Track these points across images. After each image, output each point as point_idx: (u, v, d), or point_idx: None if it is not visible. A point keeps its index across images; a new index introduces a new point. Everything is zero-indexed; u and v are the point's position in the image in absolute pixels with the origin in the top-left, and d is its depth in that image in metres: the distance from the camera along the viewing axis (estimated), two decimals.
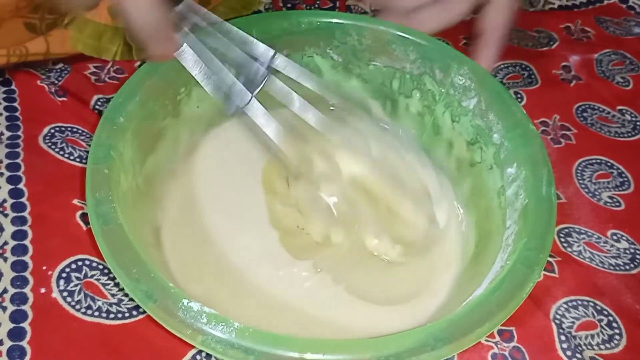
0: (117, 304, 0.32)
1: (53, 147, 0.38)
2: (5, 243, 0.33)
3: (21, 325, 0.31)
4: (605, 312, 0.34)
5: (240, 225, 0.36)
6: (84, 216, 0.35)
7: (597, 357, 0.33)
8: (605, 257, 0.37)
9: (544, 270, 0.35)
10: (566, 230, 0.38)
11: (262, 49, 0.34)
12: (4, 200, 0.35)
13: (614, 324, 0.34)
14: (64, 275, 0.32)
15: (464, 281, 0.35)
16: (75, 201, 0.35)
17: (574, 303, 0.34)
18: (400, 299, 0.34)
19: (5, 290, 0.31)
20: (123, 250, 0.28)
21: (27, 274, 0.32)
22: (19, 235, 0.34)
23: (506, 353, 0.32)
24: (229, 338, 0.26)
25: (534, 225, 0.31)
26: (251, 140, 0.40)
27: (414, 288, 0.35)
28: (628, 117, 0.45)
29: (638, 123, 0.44)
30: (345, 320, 0.33)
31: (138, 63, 0.44)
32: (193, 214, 0.36)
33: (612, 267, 0.36)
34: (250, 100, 0.33)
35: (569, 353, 0.32)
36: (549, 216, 0.32)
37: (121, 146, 0.32)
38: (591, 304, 0.35)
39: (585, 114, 0.44)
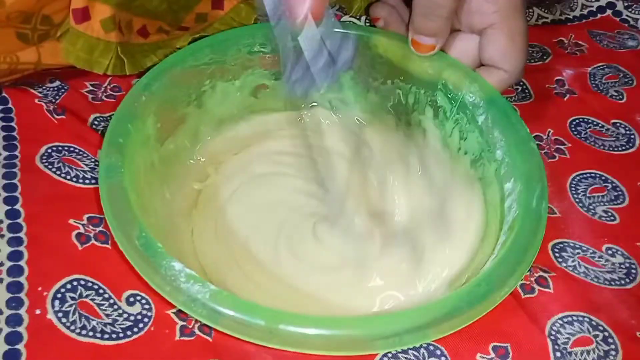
0: (112, 324, 0.32)
1: (50, 167, 0.38)
2: (1, 264, 0.33)
3: (16, 347, 0.30)
4: (601, 328, 0.34)
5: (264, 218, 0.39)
6: (80, 236, 0.35)
7: None
8: (601, 272, 0.37)
9: (540, 286, 0.35)
10: (560, 245, 0.38)
11: None
12: (1, 222, 0.35)
13: (610, 340, 0.34)
14: (59, 295, 0.32)
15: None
16: (71, 221, 0.35)
17: (569, 319, 0.34)
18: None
19: (0, 312, 0.32)
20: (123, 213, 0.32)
21: (22, 295, 0.32)
22: (14, 256, 0.34)
23: None
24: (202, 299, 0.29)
25: (517, 237, 0.33)
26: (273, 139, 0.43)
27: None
28: (622, 130, 0.45)
29: (632, 136, 0.44)
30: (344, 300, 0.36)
31: (134, 80, 0.44)
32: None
33: (607, 282, 0.36)
34: None
35: None
36: (535, 228, 0.33)
37: (140, 121, 0.36)
38: (586, 319, 0.34)
39: (579, 128, 0.45)
